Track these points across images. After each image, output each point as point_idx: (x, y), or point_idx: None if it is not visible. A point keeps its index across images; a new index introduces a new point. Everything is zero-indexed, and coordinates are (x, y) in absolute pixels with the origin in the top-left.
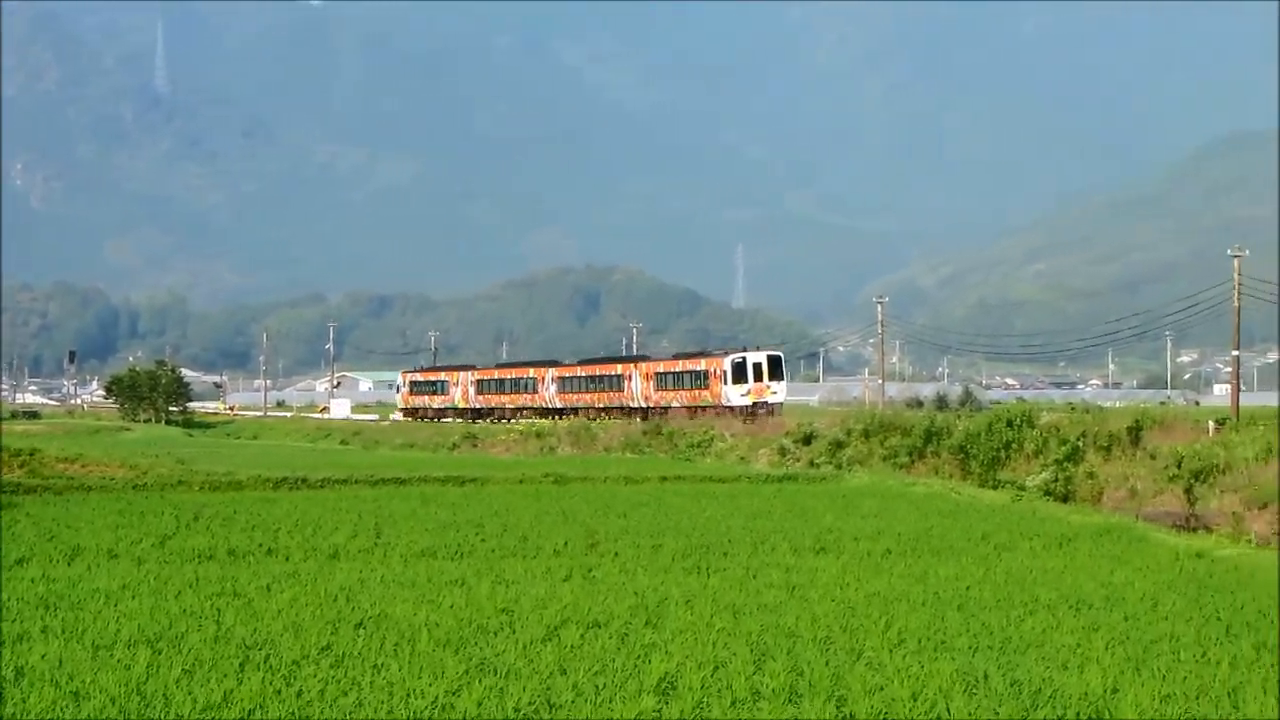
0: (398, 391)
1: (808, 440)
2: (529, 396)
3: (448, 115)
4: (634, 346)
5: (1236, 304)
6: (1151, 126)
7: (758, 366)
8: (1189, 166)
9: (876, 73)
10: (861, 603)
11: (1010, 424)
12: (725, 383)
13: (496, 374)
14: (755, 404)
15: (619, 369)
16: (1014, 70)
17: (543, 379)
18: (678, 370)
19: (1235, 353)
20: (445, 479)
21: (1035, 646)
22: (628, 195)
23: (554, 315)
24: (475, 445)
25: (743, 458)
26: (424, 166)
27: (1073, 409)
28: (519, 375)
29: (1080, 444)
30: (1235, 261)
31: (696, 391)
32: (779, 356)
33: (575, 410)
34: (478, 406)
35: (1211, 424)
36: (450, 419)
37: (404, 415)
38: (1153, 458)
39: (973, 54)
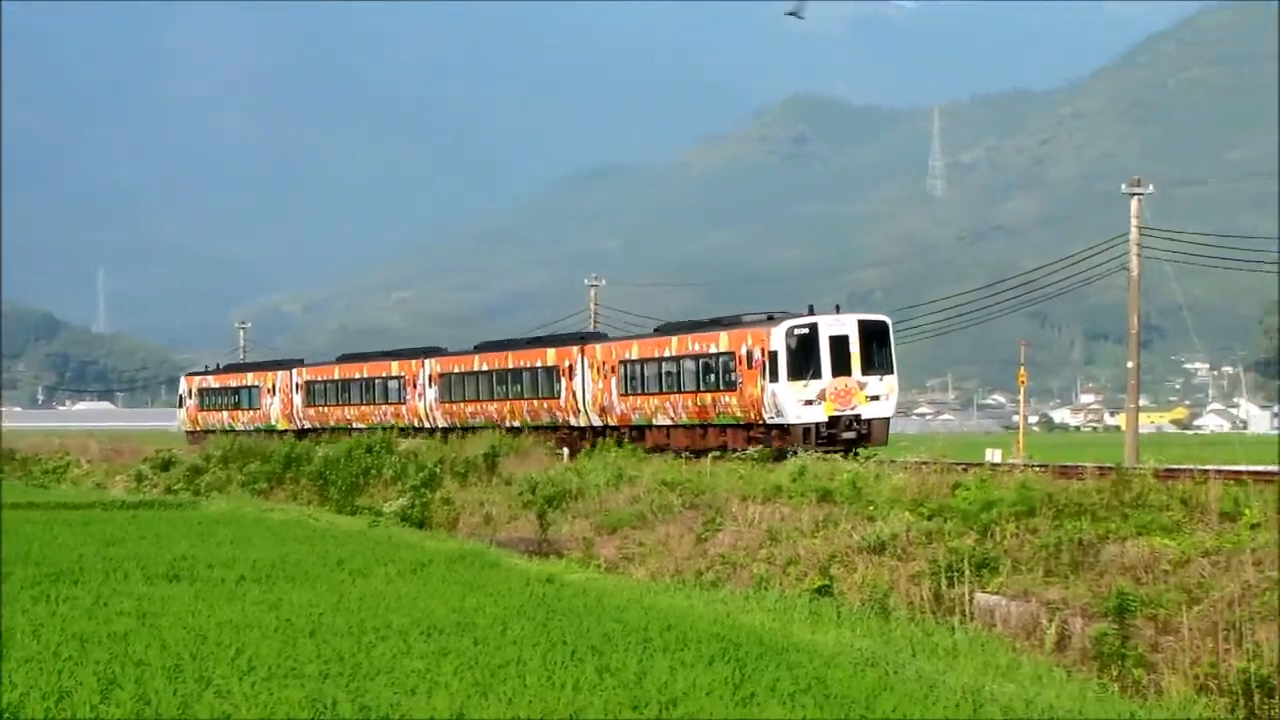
0: (181, 405)
1: (166, 466)
2: (393, 408)
3: None
4: None
5: (593, 330)
6: (515, 158)
7: (840, 344)
8: (551, 197)
9: (245, 102)
10: (213, 630)
11: (369, 450)
12: (771, 377)
13: (338, 373)
14: (837, 419)
15: (551, 356)
16: (382, 99)
17: (414, 380)
18: (668, 356)
19: None
20: None
21: (385, 672)
22: None
23: None
24: None
25: (99, 484)
26: None
27: (432, 435)
28: (375, 374)
29: (438, 470)
30: (592, 291)
31: (710, 396)
32: (884, 325)
33: (472, 429)
34: (306, 426)
35: (566, 451)
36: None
37: (192, 439)
38: (508, 484)
39: (342, 84)
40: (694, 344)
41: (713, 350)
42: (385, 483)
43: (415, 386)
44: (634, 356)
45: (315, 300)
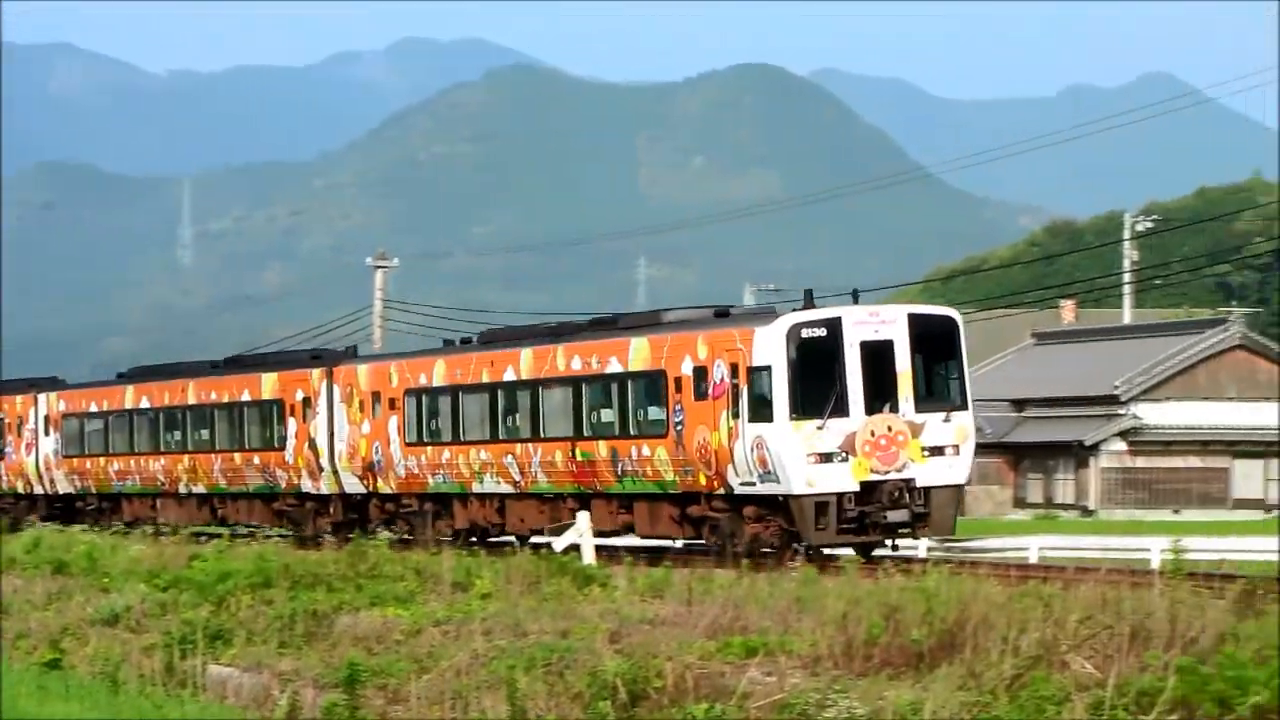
0: None
1: None
2: None
3: None
4: None
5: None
6: None
7: (879, 358)
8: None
9: None
10: None
11: None
12: (755, 412)
13: None
14: (875, 488)
15: (269, 386)
16: None
17: (17, 424)
18: (510, 381)
19: None
20: None
21: None
22: None
23: None
24: None
25: None
26: None
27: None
28: None
29: None
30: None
31: (608, 445)
32: (952, 324)
33: (119, 496)
34: None
35: None
36: None
37: None
38: None
39: None
40: (572, 360)
41: (615, 370)
42: None
43: (19, 434)
44: (437, 382)
45: None
